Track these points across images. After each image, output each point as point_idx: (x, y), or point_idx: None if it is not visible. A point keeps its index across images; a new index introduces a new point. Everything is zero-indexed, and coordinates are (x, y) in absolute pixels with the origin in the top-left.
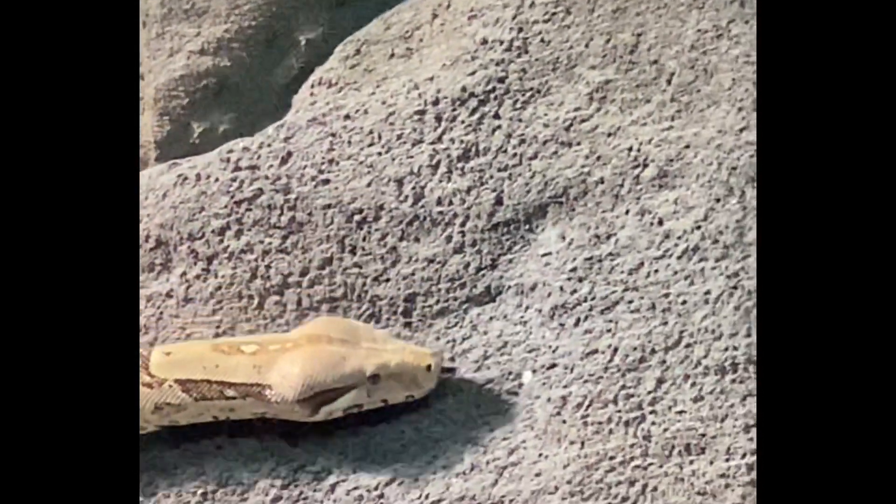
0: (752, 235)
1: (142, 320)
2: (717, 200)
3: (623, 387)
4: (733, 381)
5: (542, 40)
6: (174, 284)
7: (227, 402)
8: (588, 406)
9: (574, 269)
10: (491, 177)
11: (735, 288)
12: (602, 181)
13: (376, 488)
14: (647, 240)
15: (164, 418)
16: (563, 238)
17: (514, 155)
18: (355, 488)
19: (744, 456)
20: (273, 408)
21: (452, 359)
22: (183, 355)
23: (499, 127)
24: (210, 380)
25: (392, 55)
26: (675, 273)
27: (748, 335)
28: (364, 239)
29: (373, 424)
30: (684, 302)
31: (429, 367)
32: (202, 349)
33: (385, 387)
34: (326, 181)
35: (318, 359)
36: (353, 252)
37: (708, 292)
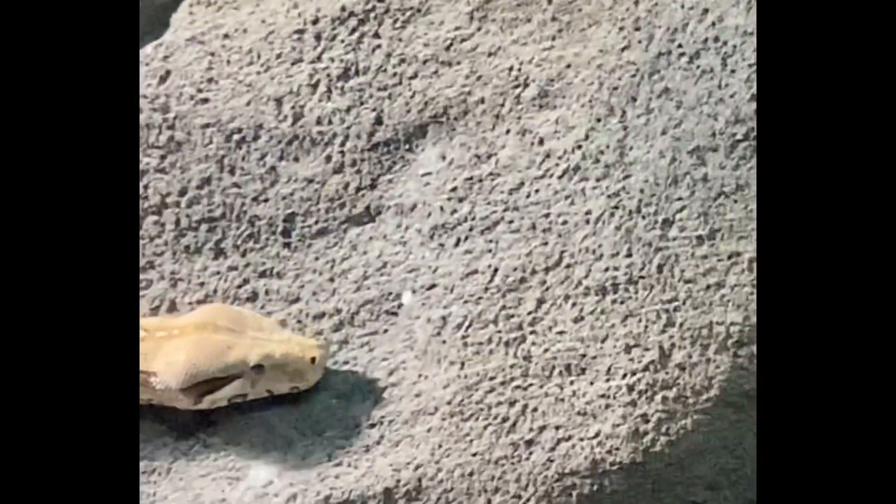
0: (632, 155)
1: None
2: (598, 120)
3: (503, 307)
4: (614, 301)
5: None
6: None
7: None
8: (468, 326)
9: (454, 189)
10: (371, 96)
11: (616, 208)
12: (482, 101)
13: (252, 409)
14: (527, 160)
15: None
16: (444, 158)
17: (395, 74)
18: (238, 408)
19: (624, 376)
20: (158, 395)
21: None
22: None
23: (379, 46)
24: None
25: None
26: (556, 193)
27: (629, 255)
28: (243, 159)
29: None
30: (565, 222)
31: (313, 359)
32: None
33: (269, 377)
34: (205, 100)
35: (202, 347)
36: (231, 172)
37: (588, 212)
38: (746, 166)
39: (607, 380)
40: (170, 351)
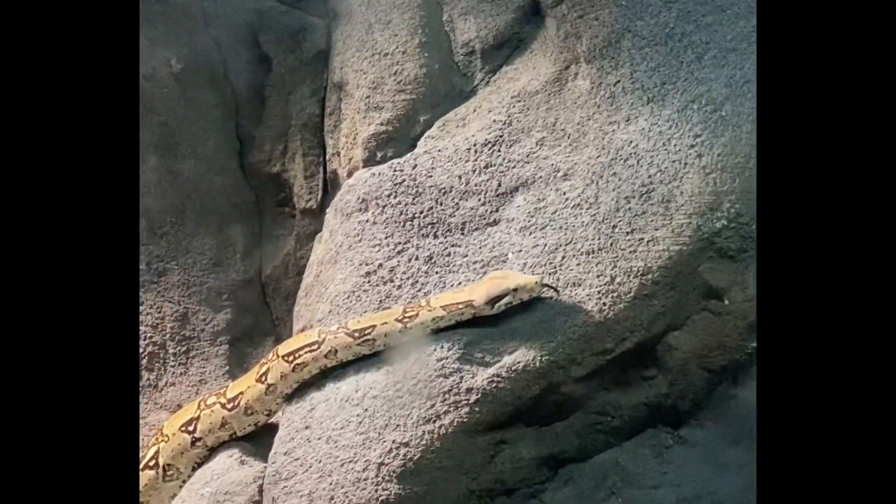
0: None
1: None
2: None
3: None
4: None
5: None
6: None
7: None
8: None
9: None
10: None
11: None
12: None
13: None
14: None
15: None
16: None
17: None
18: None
19: None
20: (476, 311)
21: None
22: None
23: None
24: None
25: None
26: None
27: None
28: None
29: None
30: None
31: (535, 283)
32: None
33: (519, 293)
34: None
35: (493, 282)
36: None
37: None
38: None
39: None
40: (477, 289)
